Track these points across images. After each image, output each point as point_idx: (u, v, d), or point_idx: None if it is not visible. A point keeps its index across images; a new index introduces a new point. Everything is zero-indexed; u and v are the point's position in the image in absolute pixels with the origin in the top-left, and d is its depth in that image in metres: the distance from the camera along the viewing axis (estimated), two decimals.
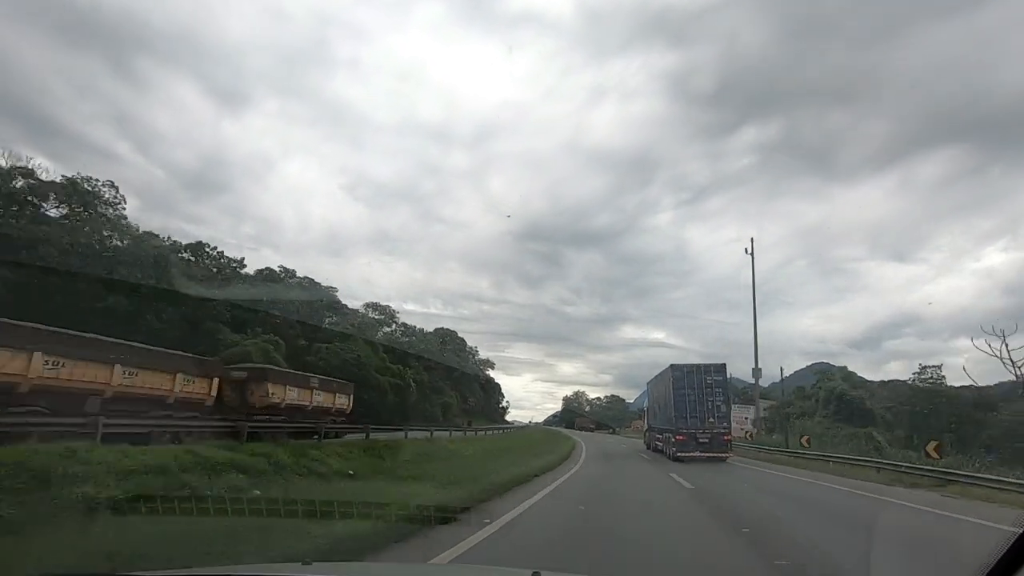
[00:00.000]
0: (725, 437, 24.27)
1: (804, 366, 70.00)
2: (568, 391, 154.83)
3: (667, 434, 26.29)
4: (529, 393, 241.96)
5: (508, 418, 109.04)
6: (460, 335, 79.09)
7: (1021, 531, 0.94)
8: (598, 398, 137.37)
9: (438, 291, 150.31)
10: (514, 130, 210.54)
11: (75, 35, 75.57)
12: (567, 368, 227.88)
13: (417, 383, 45.79)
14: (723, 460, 23.70)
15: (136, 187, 76.32)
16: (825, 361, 71.40)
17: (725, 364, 25.97)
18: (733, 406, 48.63)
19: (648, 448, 33.51)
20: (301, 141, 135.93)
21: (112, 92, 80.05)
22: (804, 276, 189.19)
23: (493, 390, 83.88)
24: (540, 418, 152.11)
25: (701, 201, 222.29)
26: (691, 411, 24.63)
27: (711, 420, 24.31)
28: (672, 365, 26.17)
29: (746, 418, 42.45)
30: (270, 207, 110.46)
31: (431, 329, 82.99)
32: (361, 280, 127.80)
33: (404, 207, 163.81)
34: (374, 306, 60.22)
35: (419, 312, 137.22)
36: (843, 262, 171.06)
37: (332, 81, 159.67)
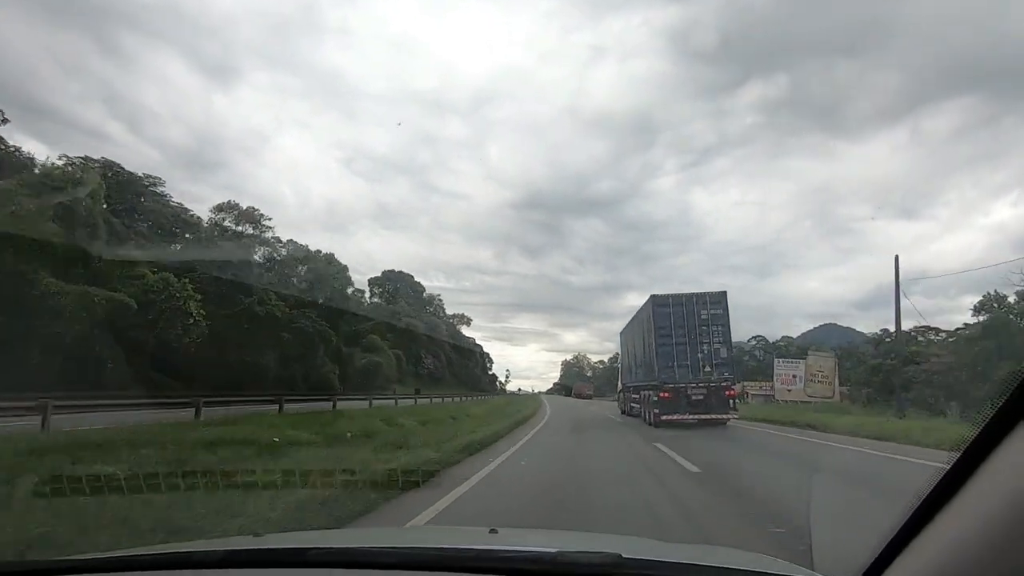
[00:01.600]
0: (727, 392, 18.21)
1: (811, 328, 67.81)
2: (571, 359, 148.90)
3: (646, 392, 20.38)
4: (534, 363, 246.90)
5: (510, 387, 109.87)
6: (435, 291, 69.78)
7: (949, 467, 0.90)
8: (600, 361, 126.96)
9: (440, 264, 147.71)
10: (512, 96, 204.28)
11: (59, 12, 69.16)
12: (571, 337, 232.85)
13: (260, 319, 27.61)
14: (723, 424, 18.12)
15: (131, 168, 71.40)
16: (832, 323, 70.38)
17: (726, 292, 19.16)
18: (778, 361, 40.81)
19: (623, 413, 27.72)
20: (295, 114, 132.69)
21: (100, 70, 74.70)
22: (810, 237, 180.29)
23: (470, 352, 72.41)
24: (545, 387, 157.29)
25: (705, 163, 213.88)
26: (680, 358, 18.52)
27: (707, 369, 18.21)
28: (653, 296, 19.73)
29: (794, 376, 34.13)
30: (268, 184, 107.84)
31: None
32: (363, 255, 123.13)
33: (402, 179, 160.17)
34: (230, 207, 36.12)
35: (423, 285, 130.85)
36: (849, 221, 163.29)
37: (323, 50, 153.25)
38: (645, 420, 20.45)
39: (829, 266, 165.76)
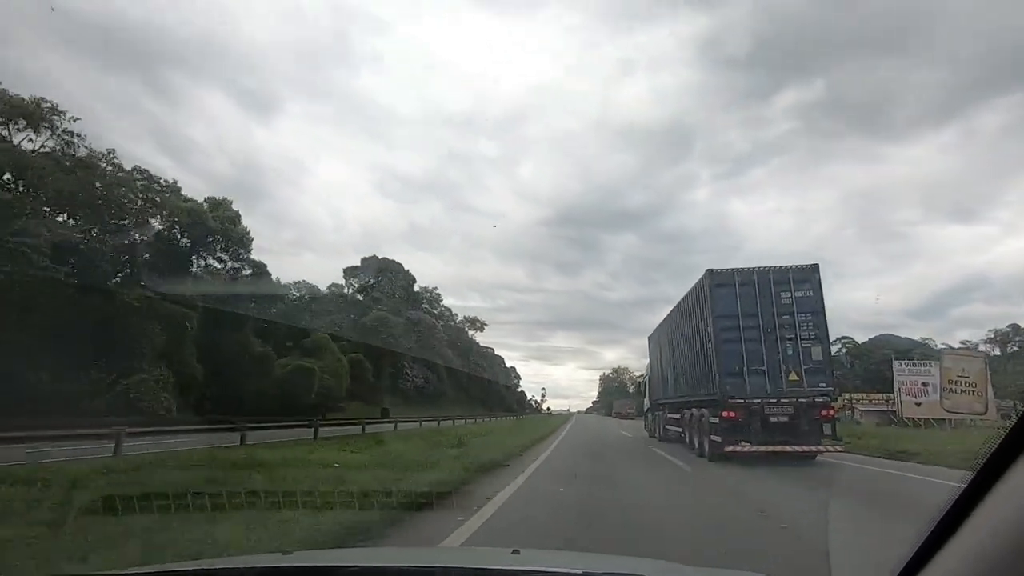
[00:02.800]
0: (823, 412, 12.15)
1: (866, 339, 60.16)
2: (609, 373, 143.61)
3: (697, 411, 14.43)
4: (574, 382, 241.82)
5: (546, 407, 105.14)
6: (471, 310, 65.00)
7: (964, 487, 0.88)
8: (642, 375, 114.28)
9: (473, 283, 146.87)
10: (541, 111, 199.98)
11: (110, 55, 69.76)
12: (610, 355, 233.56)
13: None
14: (813, 458, 12.47)
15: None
16: (888, 333, 62.48)
17: (817, 266, 12.90)
18: (899, 364, 30.68)
19: (652, 436, 21.99)
20: (330, 141, 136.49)
21: (148, 107, 75.25)
22: (855, 245, 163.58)
23: (485, 364, 61.31)
24: (584, 406, 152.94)
25: (741, 172, 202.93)
26: (752, 361, 12.42)
27: (794, 378, 12.25)
28: (710, 271, 13.36)
29: (924, 384, 25.49)
30: (306, 210, 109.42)
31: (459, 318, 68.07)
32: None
33: (435, 200, 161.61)
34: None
35: (457, 305, 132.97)
36: (898, 226, 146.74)
37: (356, 78, 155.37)
38: (693, 450, 14.51)
39: (878, 274, 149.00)
